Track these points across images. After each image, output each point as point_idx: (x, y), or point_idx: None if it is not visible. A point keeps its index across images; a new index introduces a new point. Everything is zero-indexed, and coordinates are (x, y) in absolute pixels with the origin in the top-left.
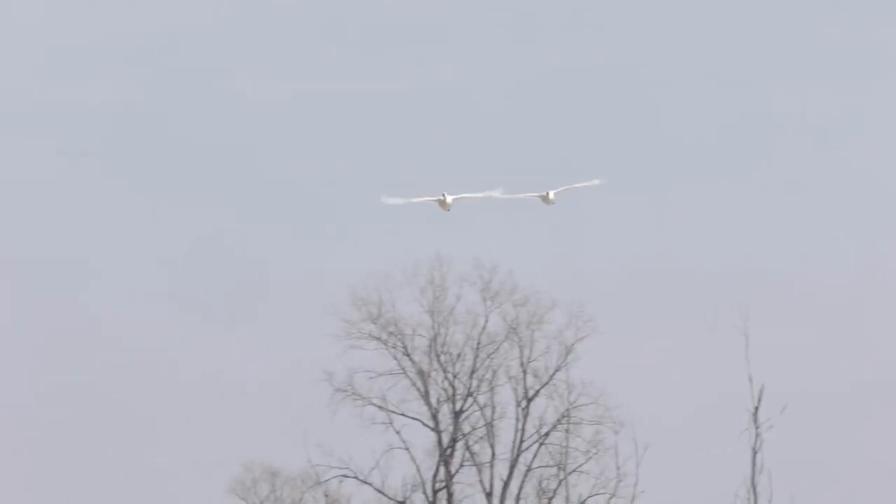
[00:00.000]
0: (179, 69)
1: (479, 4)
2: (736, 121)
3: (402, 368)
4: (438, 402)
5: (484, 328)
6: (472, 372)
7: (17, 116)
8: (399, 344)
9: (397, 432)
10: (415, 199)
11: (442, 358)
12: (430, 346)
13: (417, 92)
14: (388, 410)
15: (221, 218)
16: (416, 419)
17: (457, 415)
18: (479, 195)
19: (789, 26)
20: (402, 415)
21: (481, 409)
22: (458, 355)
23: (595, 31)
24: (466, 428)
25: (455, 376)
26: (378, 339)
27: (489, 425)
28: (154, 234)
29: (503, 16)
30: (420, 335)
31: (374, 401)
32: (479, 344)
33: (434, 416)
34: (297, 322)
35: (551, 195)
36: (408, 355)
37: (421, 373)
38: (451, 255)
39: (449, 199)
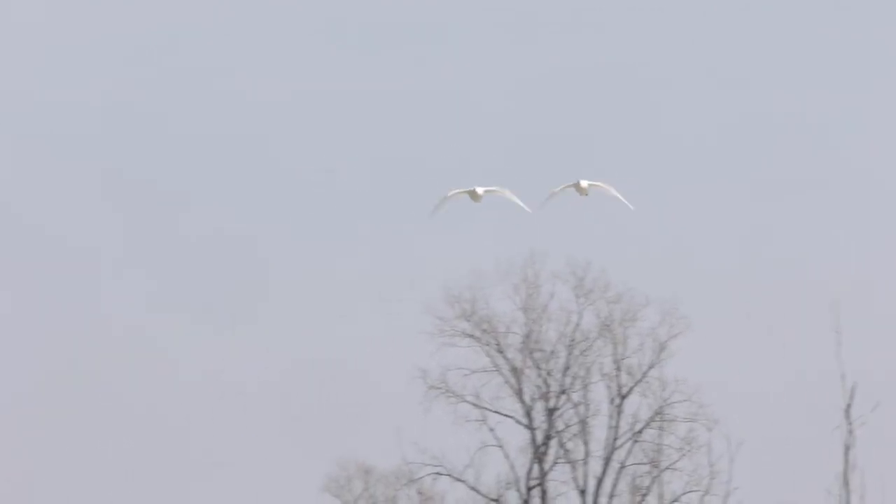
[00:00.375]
0: (179, 69)
1: (479, 4)
2: (736, 121)
3: (496, 366)
4: (532, 399)
5: (577, 325)
6: (566, 369)
7: (16, 115)
8: (492, 341)
9: (491, 430)
10: (450, 194)
11: (535, 355)
12: (523, 343)
13: (417, 92)
14: (482, 408)
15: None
16: (509, 417)
17: (550, 412)
18: (508, 194)
19: (790, 26)
20: (496, 412)
21: (575, 406)
22: (552, 352)
23: (595, 31)
24: (560, 425)
25: (549, 374)
26: (472, 336)
27: (583, 423)
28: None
29: (503, 16)
30: (513, 332)
31: (468, 398)
32: (572, 341)
33: (528, 414)
34: (396, 320)
35: (584, 184)
36: (501, 353)
37: (514, 370)
38: (545, 252)
39: (480, 190)
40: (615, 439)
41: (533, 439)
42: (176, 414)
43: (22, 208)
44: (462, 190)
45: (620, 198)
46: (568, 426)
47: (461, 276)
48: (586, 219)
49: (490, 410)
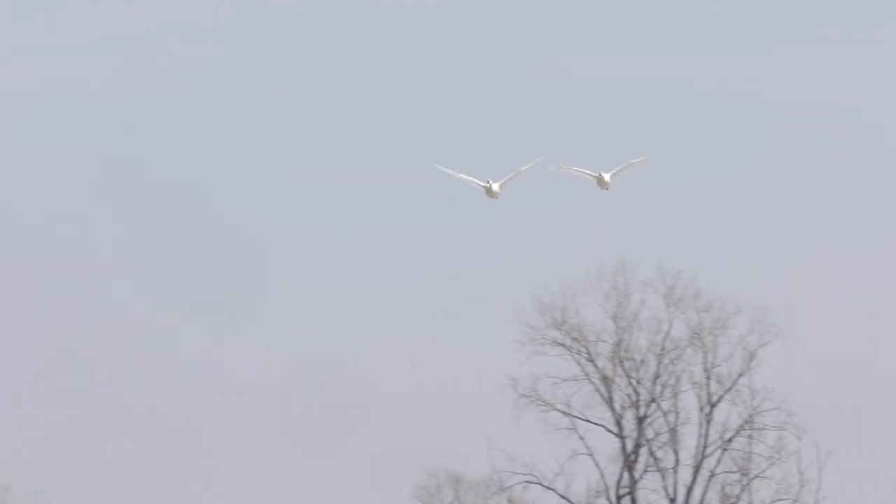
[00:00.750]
0: (180, 66)
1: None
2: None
3: (586, 374)
4: (622, 407)
5: (667, 334)
6: (656, 378)
7: (16, 114)
8: (583, 350)
9: (581, 438)
10: (462, 175)
11: (626, 364)
12: (613, 351)
13: (417, 90)
14: (572, 416)
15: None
16: (599, 425)
17: (640, 420)
18: (524, 169)
19: (789, 27)
20: (587, 420)
21: (665, 414)
22: (642, 361)
23: (595, 30)
24: (650, 434)
25: (639, 382)
26: (562, 345)
27: (673, 431)
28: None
29: (504, 15)
30: (604, 341)
31: (559, 406)
32: (662, 350)
33: (618, 422)
34: (487, 331)
35: (607, 177)
36: (591, 361)
37: (605, 378)
38: (635, 260)
39: (495, 186)
40: (705, 447)
41: (623, 447)
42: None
43: (22, 207)
44: (479, 182)
45: (636, 161)
46: (658, 434)
47: (552, 284)
48: (677, 228)
49: (580, 419)
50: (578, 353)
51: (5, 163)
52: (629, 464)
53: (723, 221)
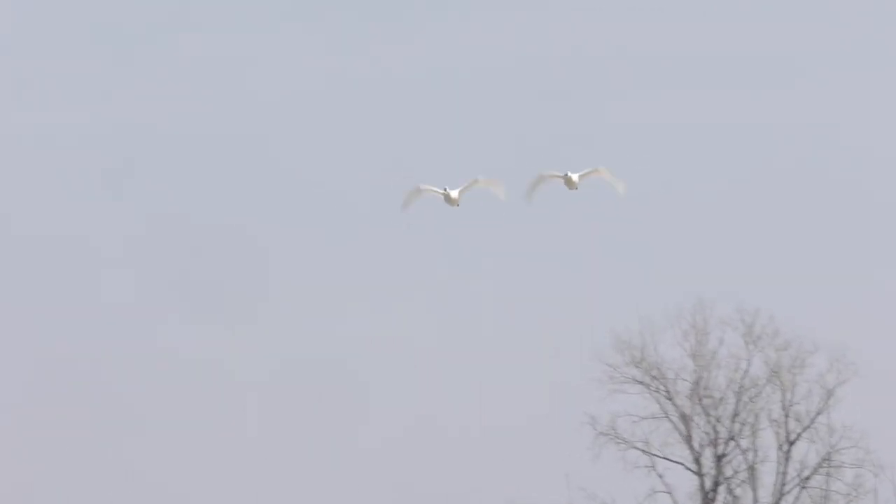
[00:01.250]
0: (181, 65)
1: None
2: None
3: (665, 412)
4: (701, 445)
5: (746, 372)
6: (735, 416)
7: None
8: (662, 388)
9: (660, 476)
10: (423, 186)
11: (704, 402)
12: (692, 389)
13: (417, 88)
14: (651, 454)
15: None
16: (678, 463)
17: (719, 458)
18: (482, 180)
19: (791, 27)
20: (665, 458)
21: (743, 452)
22: (721, 399)
23: (596, 27)
24: (728, 472)
25: (717, 420)
26: (641, 382)
27: (751, 469)
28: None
29: (503, 13)
30: (683, 379)
31: (638, 444)
32: (741, 388)
33: (696, 460)
34: (560, 368)
35: (574, 178)
36: (670, 399)
37: (683, 417)
38: (713, 298)
39: (454, 193)
40: (783, 485)
41: (702, 485)
42: (201, 413)
43: (23, 205)
44: (436, 190)
45: (613, 180)
46: (736, 472)
47: (630, 322)
48: (755, 266)
49: (659, 457)
50: (657, 391)
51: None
52: (708, 502)
53: (801, 261)
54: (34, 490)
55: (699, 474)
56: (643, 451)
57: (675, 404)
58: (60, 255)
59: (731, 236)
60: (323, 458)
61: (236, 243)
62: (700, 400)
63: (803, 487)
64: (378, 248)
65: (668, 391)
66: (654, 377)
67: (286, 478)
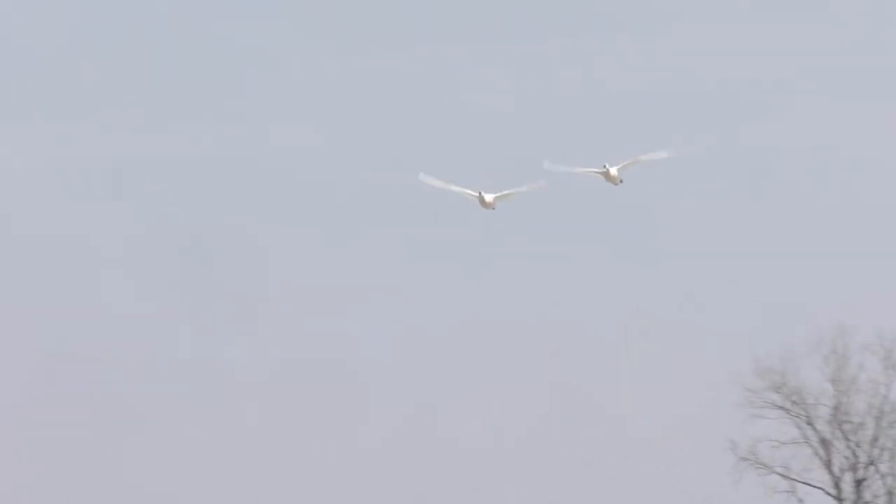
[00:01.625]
0: (182, 63)
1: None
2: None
3: (805, 437)
4: (841, 470)
5: (886, 397)
6: (874, 440)
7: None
8: (802, 413)
9: (800, 501)
10: (452, 187)
11: (844, 427)
12: (832, 414)
13: (418, 89)
14: (791, 479)
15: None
16: (818, 488)
17: (858, 483)
18: (524, 189)
19: (791, 28)
20: (805, 483)
21: (883, 477)
22: (861, 424)
23: (596, 30)
24: (868, 496)
25: (857, 445)
26: (781, 408)
27: (891, 493)
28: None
29: (504, 15)
30: (823, 404)
31: (778, 469)
32: (881, 413)
33: (836, 485)
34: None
35: (613, 171)
36: (811, 424)
37: (823, 441)
38: (854, 325)
39: (489, 197)
40: None
41: None
42: (201, 413)
43: (23, 205)
44: (470, 193)
45: (653, 156)
46: (876, 497)
47: (771, 348)
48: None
49: (799, 482)
50: (798, 416)
51: (5, 163)
52: None
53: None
54: (34, 490)
55: (839, 499)
56: (783, 476)
57: (815, 429)
58: (60, 255)
59: (873, 263)
60: (323, 458)
61: (236, 243)
62: (840, 425)
63: None
64: (378, 248)
65: (808, 416)
66: (794, 402)
67: (286, 477)
